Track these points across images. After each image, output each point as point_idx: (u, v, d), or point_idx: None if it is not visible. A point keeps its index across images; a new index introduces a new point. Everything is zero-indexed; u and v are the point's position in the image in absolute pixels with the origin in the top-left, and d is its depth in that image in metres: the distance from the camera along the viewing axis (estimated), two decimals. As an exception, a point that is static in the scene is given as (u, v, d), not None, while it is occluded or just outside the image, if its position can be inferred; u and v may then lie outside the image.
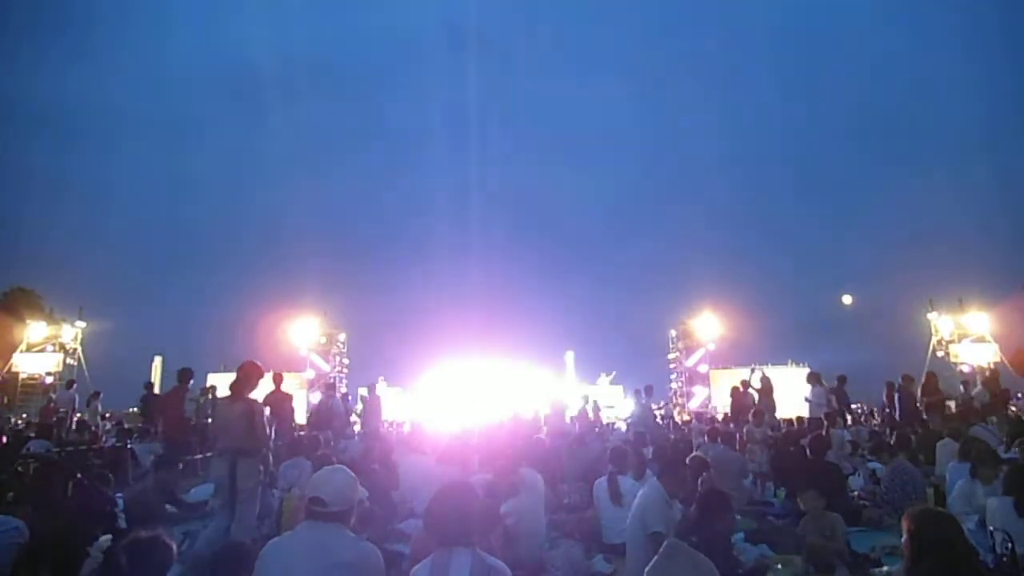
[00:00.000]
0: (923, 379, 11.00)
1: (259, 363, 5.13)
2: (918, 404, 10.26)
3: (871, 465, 7.24)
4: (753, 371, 13.17)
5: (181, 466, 7.13)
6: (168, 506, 5.51)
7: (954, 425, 7.32)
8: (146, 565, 2.23)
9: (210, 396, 12.15)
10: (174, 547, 2.49)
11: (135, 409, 12.09)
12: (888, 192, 46.70)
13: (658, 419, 14.32)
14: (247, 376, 4.93)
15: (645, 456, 6.33)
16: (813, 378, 11.49)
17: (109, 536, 2.34)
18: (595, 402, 14.55)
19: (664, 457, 6.19)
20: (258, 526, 4.89)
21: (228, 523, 4.48)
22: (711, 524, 3.53)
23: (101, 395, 13.90)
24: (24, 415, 17.33)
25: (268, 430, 5.06)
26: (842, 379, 11.61)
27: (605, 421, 15.30)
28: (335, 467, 2.82)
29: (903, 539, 2.47)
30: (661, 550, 2.84)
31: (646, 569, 2.76)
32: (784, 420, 12.45)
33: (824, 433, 7.84)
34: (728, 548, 3.38)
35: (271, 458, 5.13)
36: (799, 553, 4.30)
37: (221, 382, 14.43)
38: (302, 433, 9.12)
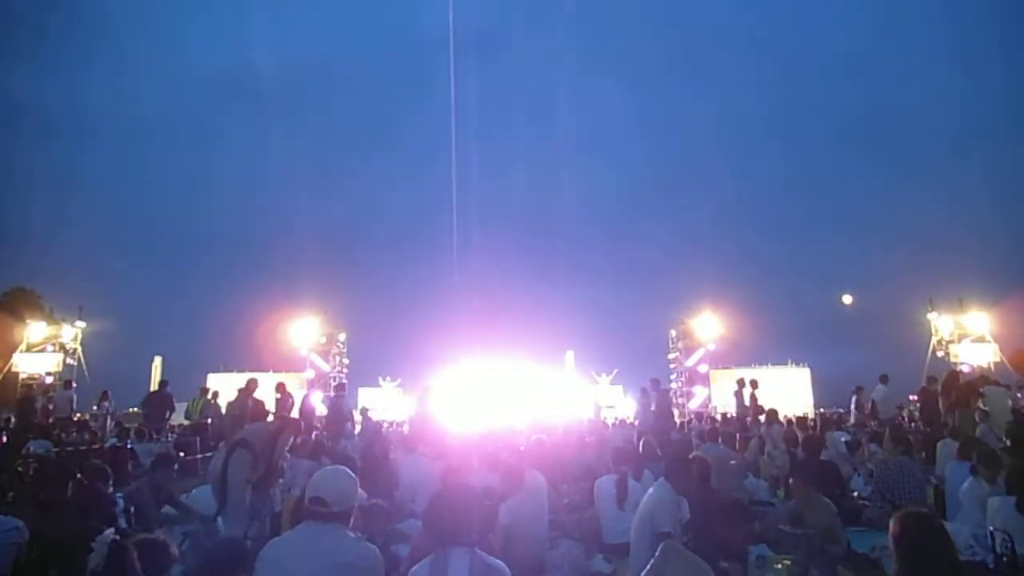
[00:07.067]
0: (944, 378, 10.52)
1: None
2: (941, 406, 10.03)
3: (871, 465, 7.25)
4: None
5: (177, 466, 7.12)
6: (167, 507, 5.45)
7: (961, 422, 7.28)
8: (147, 567, 2.24)
9: (208, 397, 12.18)
10: (173, 548, 2.48)
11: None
12: (888, 192, 46.74)
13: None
14: (295, 430, 5.41)
15: (640, 455, 6.32)
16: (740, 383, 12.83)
17: (112, 529, 2.33)
18: (595, 402, 14.63)
19: (654, 455, 6.20)
20: (259, 527, 4.88)
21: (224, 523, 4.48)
22: (726, 535, 3.46)
23: (110, 395, 13.75)
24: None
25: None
26: (754, 383, 12.76)
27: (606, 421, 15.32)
28: (335, 467, 2.81)
29: (890, 542, 2.49)
30: (657, 553, 2.84)
31: (642, 573, 2.76)
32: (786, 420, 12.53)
33: (818, 433, 7.86)
34: (717, 553, 3.34)
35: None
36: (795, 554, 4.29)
37: (221, 382, 14.45)
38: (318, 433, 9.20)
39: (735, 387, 12.93)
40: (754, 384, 12.65)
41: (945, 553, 2.36)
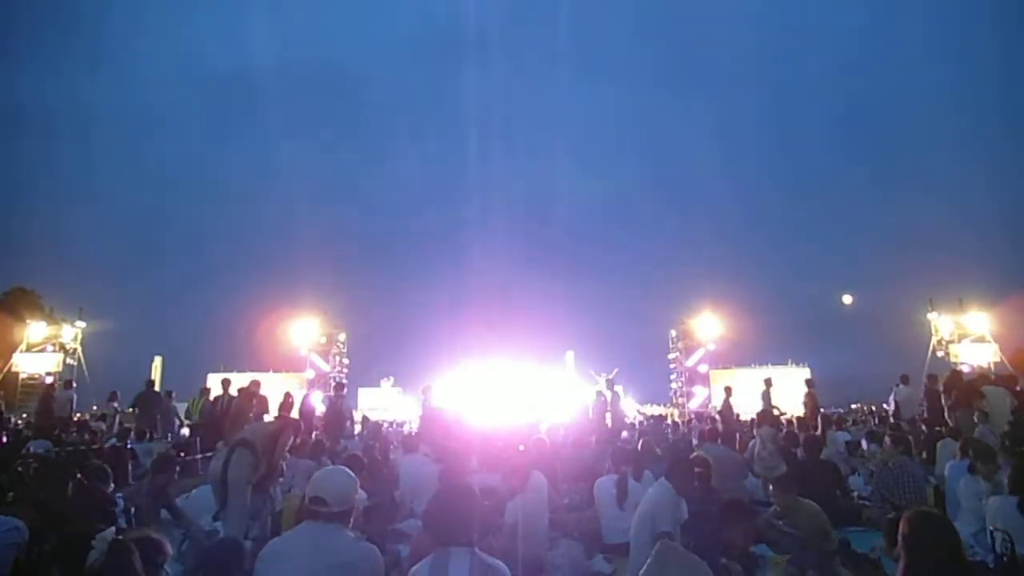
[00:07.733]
0: (946, 377, 10.52)
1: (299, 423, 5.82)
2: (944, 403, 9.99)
3: (871, 465, 7.24)
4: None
5: (179, 469, 7.09)
6: (164, 511, 5.41)
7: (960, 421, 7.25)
8: (142, 562, 2.23)
9: (208, 397, 12.16)
10: (167, 545, 2.47)
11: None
12: (888, 193, 46.75)
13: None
14: (295, 430, 5.38)
15: (640, 455, 6.30)
16: None
17: (112, 529, 2.33)
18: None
19: (654, 455, 6.20)
20: (259, 527, 4.88)
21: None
22: (728, 534, 3.44)
23: (119, 395, 13.63)
24: (24, 415, 17.31)
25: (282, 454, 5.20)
26: (809, 382, 12.11)
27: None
28: (335, 467, 2.82)
29: (899, 541, 2.50)
30: (653, 553, 2.84)
31: (640, 572, 2.76)
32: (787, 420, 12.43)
33: (820, 433, 7.83)
34: (717, 555, 3.33)
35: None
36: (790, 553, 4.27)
37: (221, 382, 14.42)
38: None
39: (762, 387, 12.33)
40: (810, 384, 11.99)
41: (952, 552, 2.36)
